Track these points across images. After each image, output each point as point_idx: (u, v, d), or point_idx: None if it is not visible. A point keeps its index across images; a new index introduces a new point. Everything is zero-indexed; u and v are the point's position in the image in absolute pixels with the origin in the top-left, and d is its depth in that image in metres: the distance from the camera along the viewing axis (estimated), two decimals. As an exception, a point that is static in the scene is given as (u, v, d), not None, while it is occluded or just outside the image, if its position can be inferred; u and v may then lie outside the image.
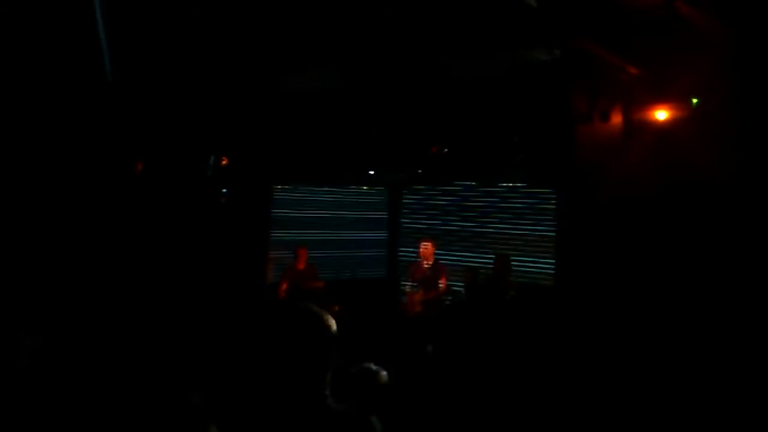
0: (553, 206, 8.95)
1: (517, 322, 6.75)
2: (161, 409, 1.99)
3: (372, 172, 10.73)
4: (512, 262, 9.04)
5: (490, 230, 10.28)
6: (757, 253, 5.85)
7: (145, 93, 7.22)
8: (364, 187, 11.41)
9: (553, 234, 8.61)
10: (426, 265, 8.96)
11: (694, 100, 6.08)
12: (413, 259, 9.27)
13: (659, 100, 6.27)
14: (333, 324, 2.26)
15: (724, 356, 5.54)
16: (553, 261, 8.41)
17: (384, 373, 2.78)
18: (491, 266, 9.20)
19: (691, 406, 4.90)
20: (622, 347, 5.94)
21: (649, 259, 6.35)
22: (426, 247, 9.01)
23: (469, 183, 10.59)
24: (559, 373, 5.19)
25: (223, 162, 9.06)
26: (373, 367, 3.01)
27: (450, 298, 9.10)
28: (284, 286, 9.06)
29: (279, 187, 10.54)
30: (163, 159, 8.22)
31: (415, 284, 9.01)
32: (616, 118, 6.53)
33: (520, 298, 8.46)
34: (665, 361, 5.68)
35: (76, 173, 7.14)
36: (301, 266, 9.22)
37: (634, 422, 4.54)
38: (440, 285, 8.88)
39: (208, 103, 7.94)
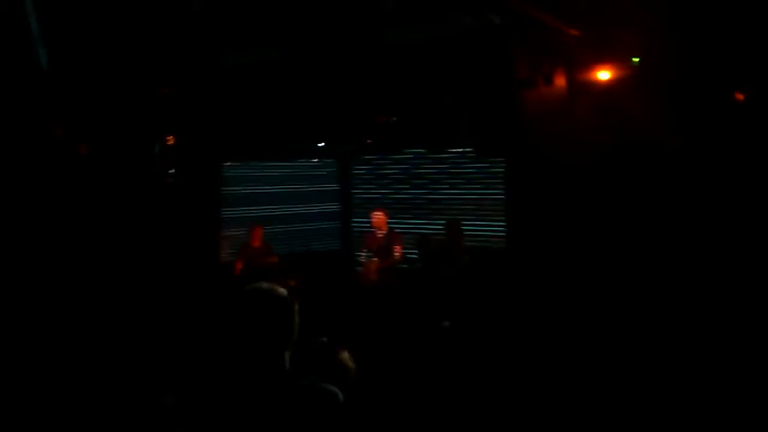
0: (502, 170, 9.04)
1: (469, 287, 6.85)
2: (119, 384, 1.98)
3: (321, 145, 10.69)
4: (464, 228, 9.15)
5: (442, 197, 10.35)
6: (699, 207, 6.03)
7: (84, 77, 7.03)
8: (315, 160, 11.35)
9: (503, 198, 8.71)
10: (380, 235, 9.01)
11: (635, 60, 6.18)
12: (367, 229, 9.30)
13: (601, 60, 6.36)
14: (291, 302, 2.28)
15: (668, 311, 5.71)
16: (505, 224, 8.52)
17: (345, 353, 2.81)
18: (444, 232, 9.30)
19: (634, 363, 5.05)
20: (572, 306, 6.08)
21: (596, 218, 6.50)
22: (378, 216, 9.05)
23: (418, 151, 10.63)
24: (512, 336, 5.31)
25: (170, 142, 8.91)
26: (331, 343, 3.03)
27: (405, 265, 9.17)
28: (239, 265, 9.01)
29: (228, 164, 10.44)
30: (107, 142, 8.05)
31: (370, 254, 9.05)
32: (560, 81, 6.61)
33: (472, 263, 8.59)
34: (615, 319, 5.83)
35: (18, 161, 6.94)
36: (256, 244, 9.19)
37: (589, 382, 4.67)
38: (395, 253, 8.94)
39: (152, 83, 7.78)
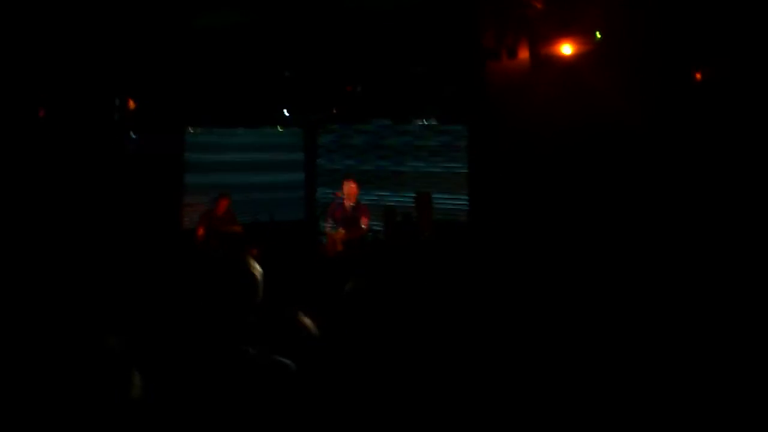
0: (466, 142, 9.07)
1: (432, 259, 6.89)
2: (76, 351, 1.96)
3: (287, 113, 10.60)
4: (432, 200, 9.18)
5: (407, 169, 10.37)
6: (661, 181, 6.13)
7: (44, 34, 6.83)
8: (279, 128, 11.26)
9: (466, 170, 8.74)
10: (348, 205, 8.97)
11: (598, 34, 6.24)
12: (331, 199, 9.27)
13: (564, 34, 6.40)
14: (255, 269, 2.28)
15: (632, 290, 5.80)
16: (468, 197, 8.57)
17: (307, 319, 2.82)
18: (411, 204, 9.33)
19: (594, 337, 5.13)
20: (534, 280, 6.16)
21: (557, 192, 6.57)
22: (350, 186, 8.98)
23: (384, 122, 10.60)
24: (473, 309, 5.36)
25: (131, 105, 8.76)
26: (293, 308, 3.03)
27: (371, 235, 9.17)
28: (201, 231, 8.93)
29: (192, 130, 10.31)
30: (66, 104, 7.88)
31: (335, 225, 9.03)
32: (524, 54, 6.64)
33: (435, 235, 8.64)
34: (576, 294, 5.92)
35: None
36: (220, 212, 9.10)
37: (550, 357, 4.73)
38: (362, 225, 8.93)
39: (113, 44, 7.61)
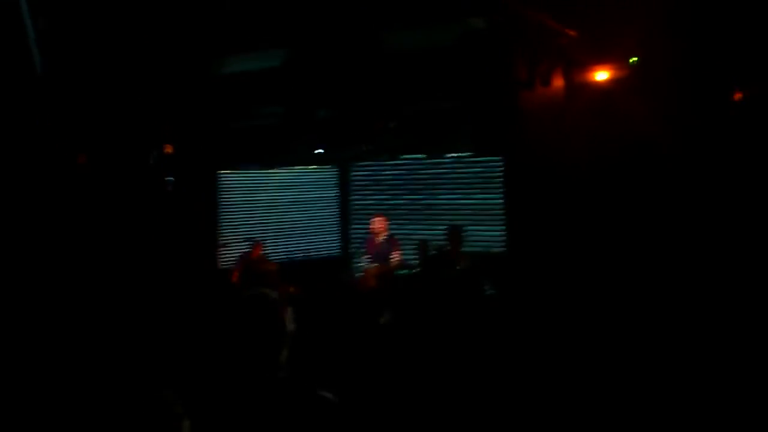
0: (500, 174, 8.99)
1: (467, 292, 6.80)
2: (135, 405, 2.01)
3: (319, 151, 10.66)
4: (463, 232, 9.12)
5: (441, 201, 10.32)
6: (699, 207, 5.99)
7: (79, 84, 6.99)
8: (312, 167, 11.31)
9: (502, 202, 8.65)
10: (379, 240, 8.99)
11: (633, 60, 6.17)
12: (366, 235, 9.27)
13: (598, 61, 6.35)
14: (281, 305, 2.30)
15: (669, 313, 5.67)
16: (504, 228, 8.46)
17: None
18: (443, 238, 9.28)
19: (639, 367, 5.00)
20: (573, 310, 6.04)
21: (594, 219, 6.46)
22: (378, 221, 9.04)
23: (417, 156, 10.60)
24: (510, 341, 5.26)
25: (168, 150, 8.89)
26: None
27: (405, 270, 9.14)
28: (237, 274, 9.03)
29: (226, 171, 10.41)
30: (104, 151, 8.02)
31: (370, 260, 9.04)
32: (558, 82, 6.59)
33: (470, 268, 8.55)
34: (616, 323, 5.79)
35: (14, 169, 6.90)
36: (256, 254, 9.21)
37: (588, 387, 4.62)
38: (394, 258, 8.92)
39: (148, 91, 7.75)
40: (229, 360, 2.24)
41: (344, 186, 11.45)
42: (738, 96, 5.93)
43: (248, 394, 2.19)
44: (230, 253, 10.08)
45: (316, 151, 10.61)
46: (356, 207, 11.33)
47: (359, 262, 9.49)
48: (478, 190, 9.81)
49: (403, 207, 10.57)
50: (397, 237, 9.26)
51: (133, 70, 7.34)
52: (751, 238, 5.83)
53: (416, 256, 9.41)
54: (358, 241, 9.65)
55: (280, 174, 10.98)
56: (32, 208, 7.02)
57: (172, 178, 9.14)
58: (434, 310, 6.84)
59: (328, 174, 11.40)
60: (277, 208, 10.87)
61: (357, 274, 9.61)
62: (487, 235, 9.45)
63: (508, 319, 5.85)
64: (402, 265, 9.08)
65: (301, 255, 10.28)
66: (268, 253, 9.49)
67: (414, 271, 9.16)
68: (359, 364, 3.01)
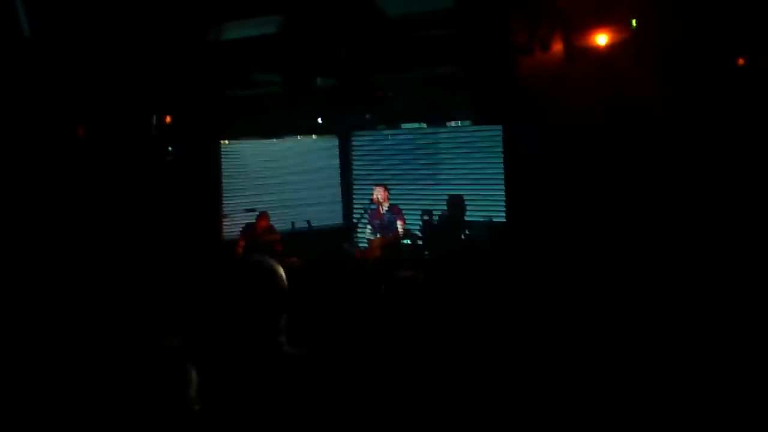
0: (500, 141, 8.95)
1: (469, 258, 6.82)
2: (140, 351, 2.09)
3: (319, 120, 10.63)
4: (466, 201, 9.14)
5: (442, 170, 10.32)
6: (700, 173, 5.97)
7: (70, 50, 6.90)
8: (313, 136, 11.29)
9: (502, 169, 8.64)
10: (382, 210, 9.00)
11: (633, 22, 6.10)
12: (368, 205, 9.27)
13: (598, 24, 6.27)
14: (282, 274, 2.35)
15: (674, 286, 5.65)
16: (504, 196, 8.44)
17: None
18: (445, 207, 9.30)
19: (640, 339, 5.00)
20: (575, 279, 6.05)
21: (596, 187, 6.44)
22: (379, 192, 9.03)
23: (417, 125, 10.57)
24: (510, 309, 5.27)
25: (167, 120, 8.86)
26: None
27: (408, 241, 9.17)
28: (242, 243, 9.11)
29: (227, 142, 10.40)
30: (104, 121, 7.99)
31: (373, 230, 9.06)
32: (557, 47, 6.53)
33: (473, 237, 8.57)
34: (616, 290, 5.78)
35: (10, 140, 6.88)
36: (260, 225, 9.27)
37: (592, 366, 4.62)
38: (398, 228, 8.94)
39: (144, 59, 7.69)
40: (230, 324, 2.29)
41: (345, 155, 11.43)
42: (741, 61, 5.87)
43: (248, 356, 2.25)
44: (232, 223, 10.12)
45: (317, 121, 10.60)
46: (358, 176, 11.33)
47: (362, 232, 9.51)
48: (479, 158, 9.79)
49: (404, 176, 10.56)
50: (399, 206, 9.27)
51: (127, 37, 7.26)
52: (753, 204, 5.81)
53: (420, 226, 9.45)
54: (361, 210, 9.65)
55: (280, 144, 10.97)
56: (30, 177, 7.01)
57: (172, 149, 9.13)
58: (438, 277, 6.87)
59: (328, 143, 11.38)
60: (279, 177, 10.88)
61: (360, 245, 9.64)
62: (488, 203, 9.46)
63: (509, 285, 5.86)
64: (406, 234, 9.11)
65: (304, 225, 10.30)
66: (272, 223, 9.52)
67: (418, 241, 9.20)
68: (360, 331, 3.04)
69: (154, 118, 8.68)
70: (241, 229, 9.70)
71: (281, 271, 2.35)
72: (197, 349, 2.19)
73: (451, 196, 9.30)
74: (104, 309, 5.81)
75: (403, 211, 9.17)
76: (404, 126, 10.72)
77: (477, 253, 7.95)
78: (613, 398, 3.98)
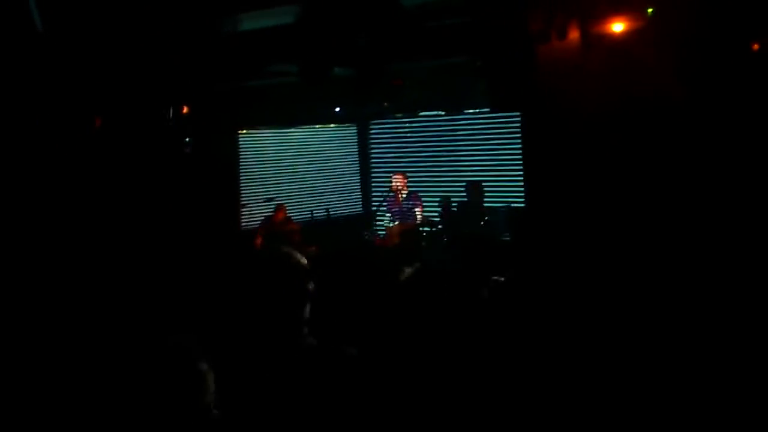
0: (518, 128, 8.95)
1: (488, 245, 6.84)
2: (153, 348, 2.05)
3: (338, 109, 10.65)
4: (483, 188, 9.16)
5: (460, 158, 10.32)
6: (717, 160, 5.94)
7: (85, 43, 6.92)
8: (331, 125, 11.32)
9: (521, 156, 8.64)
10: (400, 198, 9.05)
11: (650, 10, 6.07)
12: (388, 193, 9.32)
13: (614, 12, 6.24)
14: (305, 264, 2.33)
15: (693, 280, 5.63)
16: (523, 182, 8.46)
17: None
18: (464, 194, 9.32)
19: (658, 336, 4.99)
20: (591, 263, 6.06)
21: (613, 173, 6.44)
22: (398, 179, 9.08)
23: (435, 112, 10.58)
24: (531, 296, 5.29)
25: (184, 111, 8.92)
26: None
27: (427, 228, 9.20)
28: (260, 234, 9.15)
29: (245, 132, 10.45)
30: (120, 113, 8.04)
31: (392, 218, 9.12)
32: (574, 35, 6.50)
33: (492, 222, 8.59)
34: (634, 276, 5.78)
35: (30, 135, 6.94)
36: (278, 220, 9.31)
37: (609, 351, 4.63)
38: (417, 215, 8.99)
39: (161, 51, 7.73)
40: (253, 316, 2.28)
41: (363, 144, 11.46)
42: (756, 47, 5.82)
43: (272, 350, 2.24)
44: (251, 214, 10.19)
45: (335, 110, 10.62)
46: (376, 165, 11.37)
47: (382, 220, 9.56)
48: (497, 145, 9.79)
49: (422, 164, 10.59)
50: (419, 194, 9.31)
51: (143, 29, 7.29)
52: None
53: (438, 213, 9.48)
54: (379, 198, 9.70)
55: (299, 133, 11.00)
56: (47, 171, 7.07)
57: (190, 139, 9.18)
58: (456, 264, 6.90)
59: (347, 132, 11.41)
60: (297, 167, 10.92)
61: (380, 232, 9.69)
62: (506, 190, 9.47)
63: (527, 274, 5.87)
64: (425, 221, 9.15)
65: (323, 214, 10.36)
66: (290, 215, 9.58)
67: (437, 228, 9.23)
68: (381, 319, 3.08)
69: (171, 109, 8.73)
70: (259, 219, 9.74)
71: (305, 263, 2.35)
72: (216, 345, 2.18)
73: (469, 182, 9.32)
74: (120, 306, 5.85)
75: (422, 199, 9.21)
76: (422, 114, 10.73)
77: (490, 243, 7.99)
78: (629, 396, 4.00)
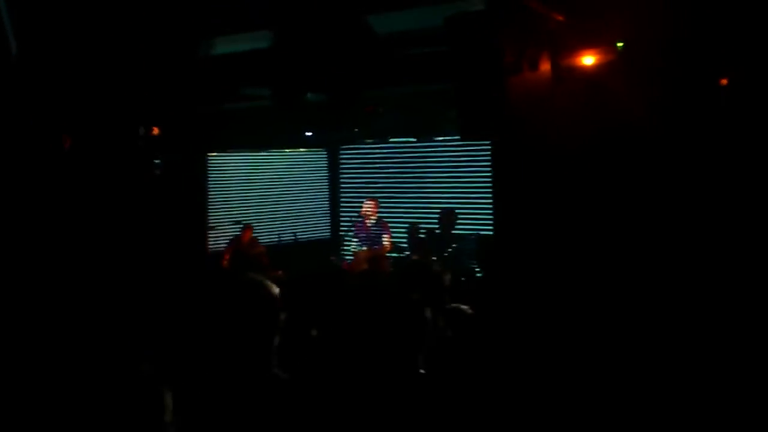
0: (488, 157, 9.01)
1: (456, 272, 6.85)
2: (112, 378, 1.99)
3: (309, 134, 10.65)
4: (456, 216, 9.19)
5: (430, 184, 10.37)
6: (688, 193, 6.03)
7: (58, 66, 6.87)
8: (302, 150, 11.31)
9: (490, 184, 8.70)
10: (369, 224, 9.04)
11: (620, 44, 6.17)
12: (356, 218, 9.30)
13: (585, 45, 6.35)
14: (276, 294, 2.30)
15: (664, 300, 5.70)
16: (492, 211, 8.51)
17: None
18: (435, 221, 9.34)
19: (629, 359, 5.03)
20: (561, 292, 6.09)
21: (584, 204, 6.50)
22: (368, 205, 9.09)
23: (406, 139, 10.63)
24: (498, 320, 5.30)
25: (155, 132, 8.84)
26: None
27: (395, 254, 9.20)
28: (227, 256, 9.08)
29: (215, 154, 10.39)
30: (90, 134, 7.94)
31: (359, 243, 9.10)
32: (545, 66, 6.59)
33: (460, 250, 8.59)
34: (604, 305, 5.82)
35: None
36: (245, 240, 9.26)
37: (580, 380, 4.64)
38: (384, 242, 8.98)
39: (132, 73, 7.67)
40: (221, 344, 2.25)
41: (334, 169, 11.46)
42: (723, 81, 5.96)
43: (239, 378, 2.22)
44: (219, 236, 10.11)
45: (306, 134, 10.62)
46: (346, 190, 11.36)
47: (349, 245, 9.54)
48: (467, 173, 9.86)
49: (392, 190, 10.61)
50: (386, 220, 9.31)
51: (116, 51, 7.24)
52: (742, 220, 5.87)
53: (406, 240, 9.48)
54: (348, 224, 9.68)
55: (269, 157, 10.98)
56: (15, 191, 6.95)
57: (159, 161, 9.09)
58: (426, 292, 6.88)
59: (317, 157, 11.40)
60: (266, 190, 10.89)
61: (347, 258, 9.66)
62: (475, 218, 9.52)
63: (497, 301, 5.88)
64: (393, 248, 9.14)
65: (291, 238, 10.30)
66: (257, 237, 9.53)
67: (405, 254, 9.23)
68: (348, 345, 3.04)
69: (142, 130, 8.65)
70: (226, 241, 9.67)
71: (277, 293, 2.32)
72: (179, 370, 2.14)
73: (443, 209, 9.36)
74: (82, 327, 5.73)
75: (390, 225, 9.21)
76: (392, 140, 10.77)
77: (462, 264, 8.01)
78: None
